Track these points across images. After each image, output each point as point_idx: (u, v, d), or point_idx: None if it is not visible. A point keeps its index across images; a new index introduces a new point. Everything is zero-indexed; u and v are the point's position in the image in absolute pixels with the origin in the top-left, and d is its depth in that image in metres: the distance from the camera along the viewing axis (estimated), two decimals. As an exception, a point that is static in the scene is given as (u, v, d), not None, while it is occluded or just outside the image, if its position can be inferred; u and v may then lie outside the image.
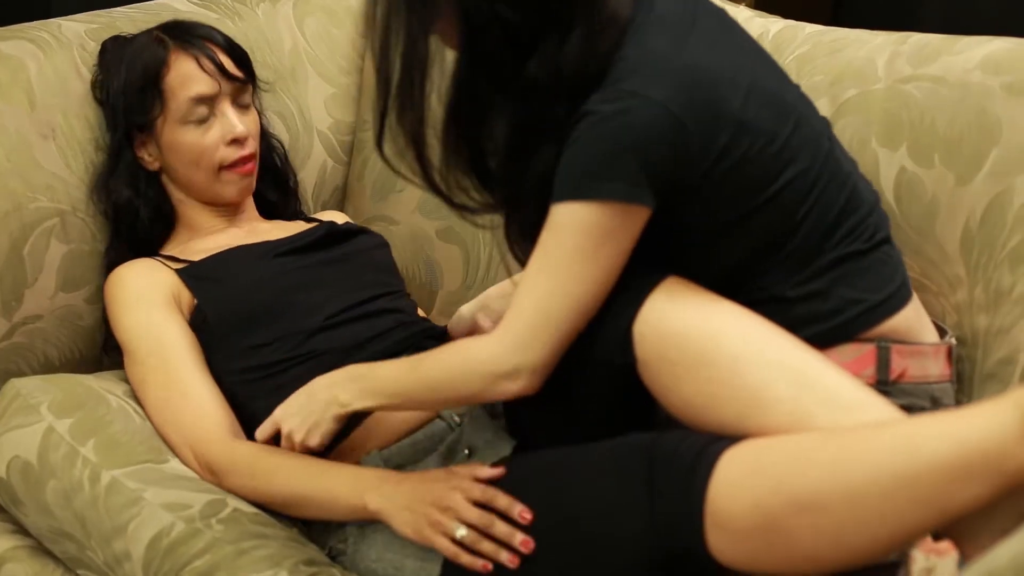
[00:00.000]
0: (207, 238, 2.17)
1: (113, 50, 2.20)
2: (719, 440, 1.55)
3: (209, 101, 2.12)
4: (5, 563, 2.01)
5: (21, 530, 2.03)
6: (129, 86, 2.14)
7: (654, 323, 1.62)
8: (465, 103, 1.65)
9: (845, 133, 1.90)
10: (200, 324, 2.02)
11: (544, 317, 1.63)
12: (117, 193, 2.15)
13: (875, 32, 2.01)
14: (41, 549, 2.01)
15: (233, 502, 1.86)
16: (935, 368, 1.72)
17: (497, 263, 2.17)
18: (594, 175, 1.58)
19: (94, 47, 2.23)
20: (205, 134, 2.12)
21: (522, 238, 1.71)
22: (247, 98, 2.18)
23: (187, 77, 2.12)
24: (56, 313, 2.12)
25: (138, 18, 2.27)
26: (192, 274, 2.06)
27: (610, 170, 1.57)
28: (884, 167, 1.87)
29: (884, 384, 1.67)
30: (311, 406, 1.80)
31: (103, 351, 2.18)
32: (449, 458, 1.85)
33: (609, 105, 1.58)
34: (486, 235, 2.23)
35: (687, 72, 1.59)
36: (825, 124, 1.76)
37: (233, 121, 2.13)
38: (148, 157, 2.16)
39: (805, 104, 1.74)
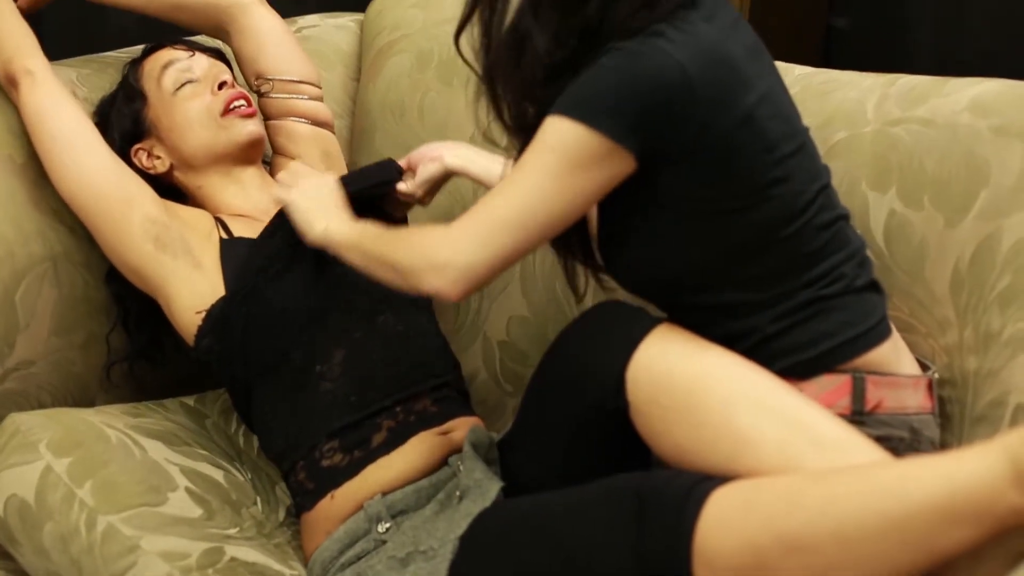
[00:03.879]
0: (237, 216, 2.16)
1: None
2: (709, 479, 1.55)
3: (185, 68, 2.17)
4: (-1, 607, 2.02)
5: (15, 573, 2.03)
6: (115, 97, 2.21)
7: (646, 368, 1.63)
8: None
9: (835, 176, 1.89)
10: (224, 314, 2.00)
11: (492, 221, 1.65)
12: None
13: (865, 74, 2.01)
14: (36, 595, 2.01)
15: (231, 551, 1.86)
16: (913, 400, 1.71)
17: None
18: (598, 105, 1.61)
19: (85, 92, 2.24)
20: (195, 95, 2.16)
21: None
22: (228, 79, 2.21)
23: (160, 56, 2.21)
24: (49, 359, 2.12)
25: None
26: (229, 256, 2.06)
27: (613, 105, 1.60)
28: (874, 210, 1.88)
29: (859, 414, 1.67)
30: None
31: (105, 372, 2.18)
32: (447, 503, 1.84)
33: (636, 46, 1.61)
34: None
35: (714, 51, 1.63)
36: (827, 171, 1.77)
37: (215, 72, 2.19)
38: (156, 162, 2.18)
39: (812, 143, 1.76)
